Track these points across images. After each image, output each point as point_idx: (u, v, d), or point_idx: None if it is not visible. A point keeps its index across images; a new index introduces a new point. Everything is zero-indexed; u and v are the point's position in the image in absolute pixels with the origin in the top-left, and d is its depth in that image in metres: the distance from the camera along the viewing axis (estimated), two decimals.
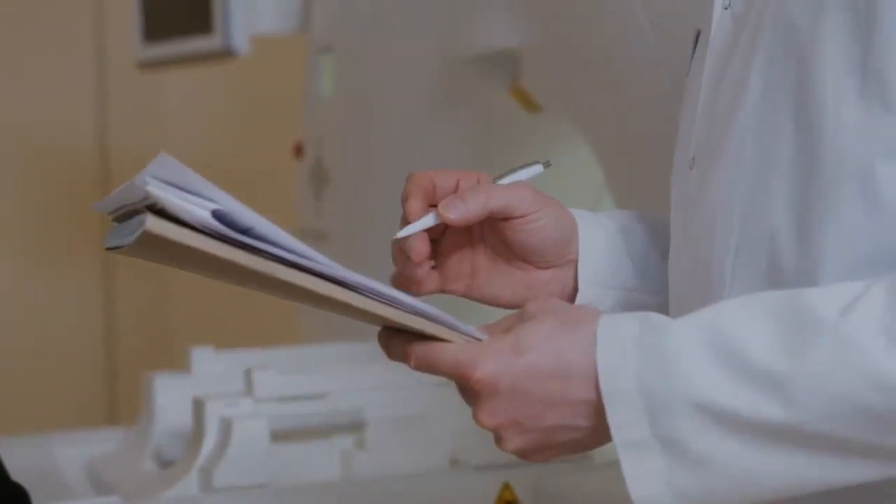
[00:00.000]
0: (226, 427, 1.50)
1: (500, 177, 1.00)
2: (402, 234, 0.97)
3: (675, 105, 1.44)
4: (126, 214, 0.85)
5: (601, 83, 1.60)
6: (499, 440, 0.89)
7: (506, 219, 0.98)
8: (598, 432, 0.87)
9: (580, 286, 1.02)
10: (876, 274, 0.85)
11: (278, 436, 1.53)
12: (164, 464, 1.63)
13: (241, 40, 2.13)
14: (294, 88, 2.37)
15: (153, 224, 0.80)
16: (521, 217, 0.98)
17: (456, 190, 0.98)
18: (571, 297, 1.02)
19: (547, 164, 1.02)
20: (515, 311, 0.92)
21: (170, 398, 1.65)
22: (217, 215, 0.82)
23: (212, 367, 1.70)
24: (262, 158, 2.97)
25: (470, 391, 0.88)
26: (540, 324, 0.87)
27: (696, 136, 0.98)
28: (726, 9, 0.97)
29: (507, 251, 1.00)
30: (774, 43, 0.90)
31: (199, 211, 0.81)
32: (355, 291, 0.87)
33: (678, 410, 0.83)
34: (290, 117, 2.40)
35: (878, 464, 0.83)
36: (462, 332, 0.89)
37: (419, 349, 0.89)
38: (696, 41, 1.04)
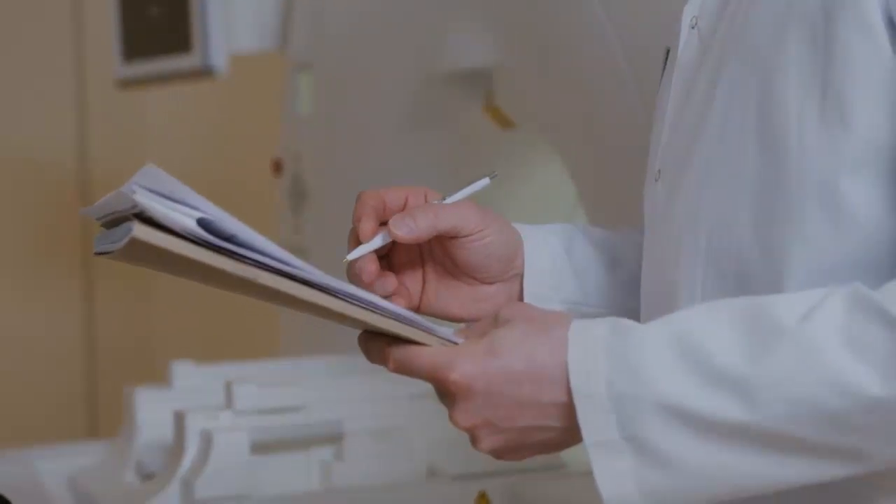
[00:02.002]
0: (206, 439, 1.53)
1: (451, 194, 1.03)
2: (352, 256, 1.00)
3: (645, 121, 1.48)
4: (113, 221, 0.88)
5: (573, 100, 1.62)
6: (474, 440, 0.92)
7: (453, 237, 1.01)
8: (570, 433, 0.90)
9: (525, 300, 1.04)
10: (839, 282, 0.88)
11: (258, 448, 1.55)
12: (146, 476, 1.65)
13: (220, 59, 2.15)
14: (272, 105, 2.39)
15: (140, 231, 0.83)
16: (468, 235, 1.01)
17: (405, 206, 1.01)
18: None
19: (493, 177, 1.04)
20: (490, 315, 0.95)
21: (150, 412, 1.67)
22: (202, 223, 0.85)
23: (192, 380, 1.72)
24: (241, 174, 2.99)
25: (446, 393, 0.91)
26: (513, 328, 0.90)
27: (662, 150, 1.01)
28: (693, 28, 1.01)
29: (454, 267, 1.03)
30: (738, 63, 0.94)
31: (185, 219, 0.84)
32: (335, 296, 0.90)
33: (646, 412, 0.86)
34: (269, 134, 2.42)
35: (838, 463, 0.87)
36: (439, 336, 0.92)
37: (397, 352, 0.92)
38: (667, 58, 1.07)
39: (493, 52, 1.74)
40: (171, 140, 3.19)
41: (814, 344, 0.84)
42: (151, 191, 0.84)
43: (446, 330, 0.93)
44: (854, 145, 0.88)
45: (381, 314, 0.91)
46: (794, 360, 0.84)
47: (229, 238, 0.86)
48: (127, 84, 2.37)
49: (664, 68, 1.07)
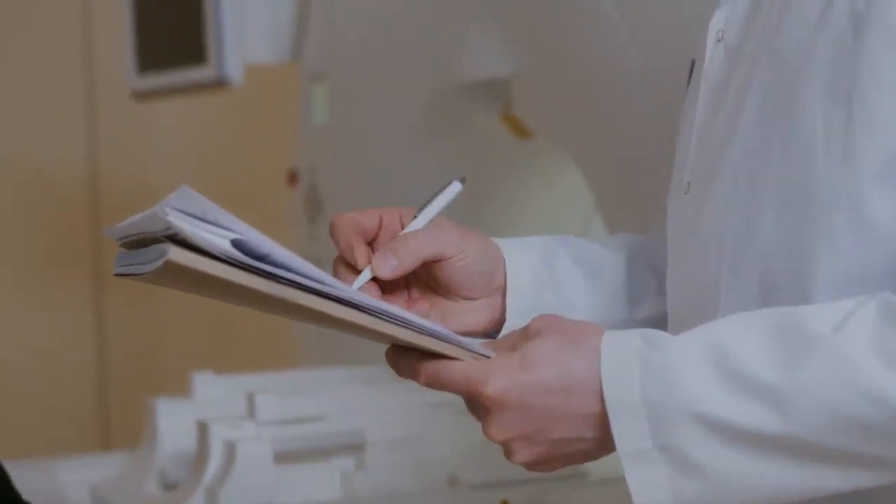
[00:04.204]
0: (230, 450, 1.54)
1: (424, 205, 1.03)
2: (356, 286, 0.99)
3: (663, 131, 1.49)
4: (137, 242, 0.88)
5: (590, 110, 1.63)
6: (508, 453, 0.93)
7: (435, 261, 1.02)
8: (603, 443, 0.91)
9: (507, 316, 1.05)
10: (865, 292, 0.89)
11: (280, 457, 1.56)
12: (168, 486, 1.66)
13: (234, 70, 2.15)
14: (286, 116, 2.40)
15: (176, 254, 0.84)
16: (449, 258, 1.02)
17: (379, 227, 1.02)
18: (500, 324, 1.06)
19: (463, 181, 1.04)
20: (520, 328, 0.96)
21: (172, 422, 1.68)
22: (236, 244, 0.85)
23: (212, 391, 1.73)
24: (254, 185, 3.00)
25: (480, 407, 0.92)
26: (545, 341, 0.92)
27: (691, 162, 1.03)
28: (719, 41, 1.02)
29: (438, 286, 1.04)
30: (767, 76, 0.95)
31: (219, 241, 0.85)
32: (367, 313, 0.91)
33: (679, 421, 0.88)
34: (282, 145, 2.43)
35: (870, 472, 0.88)
36: (469, 350, 0.93)
37: (429, 367, 0.93)
38: (692, 70, 1.08)
39: (510, 61, 1.75)
40: (183, 149, 3.20)
41: (846, 354, 0.86)
42: (183, 212, 0.85)
43: (476, 343, 0.94)
44: (880, 155, 0.90)
45: (413, 329, 0.92)
46: (826, 370, 0.86)
47: (263, 258, 0.86)
48: (142, 96, 2.38)
49: (689, 81, 1.08)
